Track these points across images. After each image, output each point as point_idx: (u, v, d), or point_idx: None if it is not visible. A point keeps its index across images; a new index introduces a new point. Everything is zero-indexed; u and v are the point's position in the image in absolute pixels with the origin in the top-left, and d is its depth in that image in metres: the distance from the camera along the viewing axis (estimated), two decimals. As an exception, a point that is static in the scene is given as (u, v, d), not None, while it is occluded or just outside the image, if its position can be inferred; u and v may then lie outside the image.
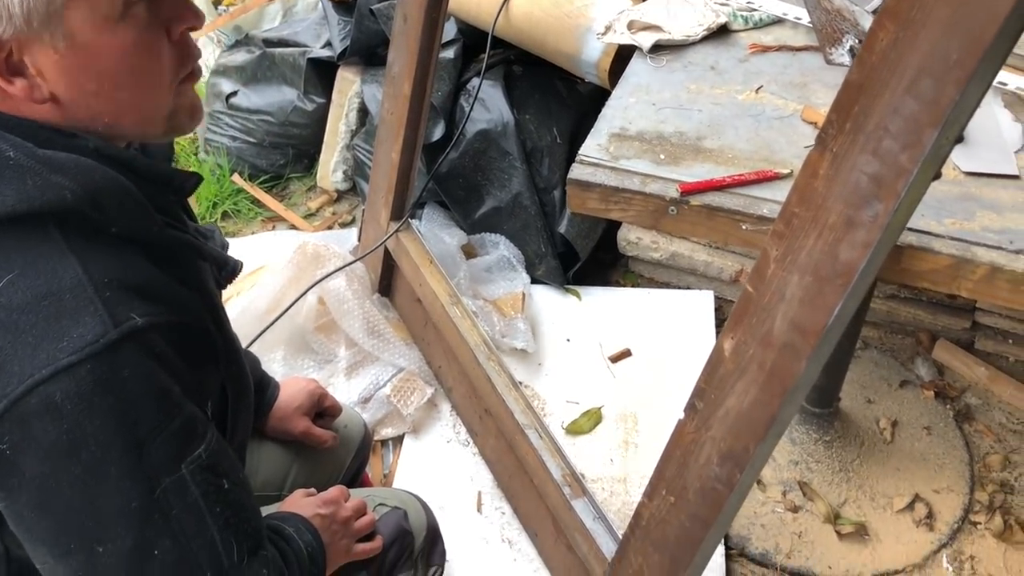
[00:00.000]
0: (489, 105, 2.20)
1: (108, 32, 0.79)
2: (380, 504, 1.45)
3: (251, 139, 2.54)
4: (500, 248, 2.19)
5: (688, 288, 2.28)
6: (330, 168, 2.53)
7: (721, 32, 1.42)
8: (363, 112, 2.42)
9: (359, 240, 2.24)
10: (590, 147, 1.23)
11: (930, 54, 0.87)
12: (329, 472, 1.56)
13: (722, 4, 1.44)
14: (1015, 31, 0.84)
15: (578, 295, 2.24)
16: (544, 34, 2.07)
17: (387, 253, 2.10)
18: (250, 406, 1.10)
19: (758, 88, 1.31)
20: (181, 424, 0.83)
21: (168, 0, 0.83)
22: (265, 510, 1.08)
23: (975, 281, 1.08)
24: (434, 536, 1.48)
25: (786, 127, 1.26)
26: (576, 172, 1.20)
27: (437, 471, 1.90)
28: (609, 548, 1.50)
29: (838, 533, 1.79)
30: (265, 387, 1.44)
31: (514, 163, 2.20)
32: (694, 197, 1.15)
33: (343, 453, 1.59)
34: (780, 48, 1.38)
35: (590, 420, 1.97)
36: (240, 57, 2.56)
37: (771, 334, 1.08)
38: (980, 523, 1.82)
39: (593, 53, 1.94)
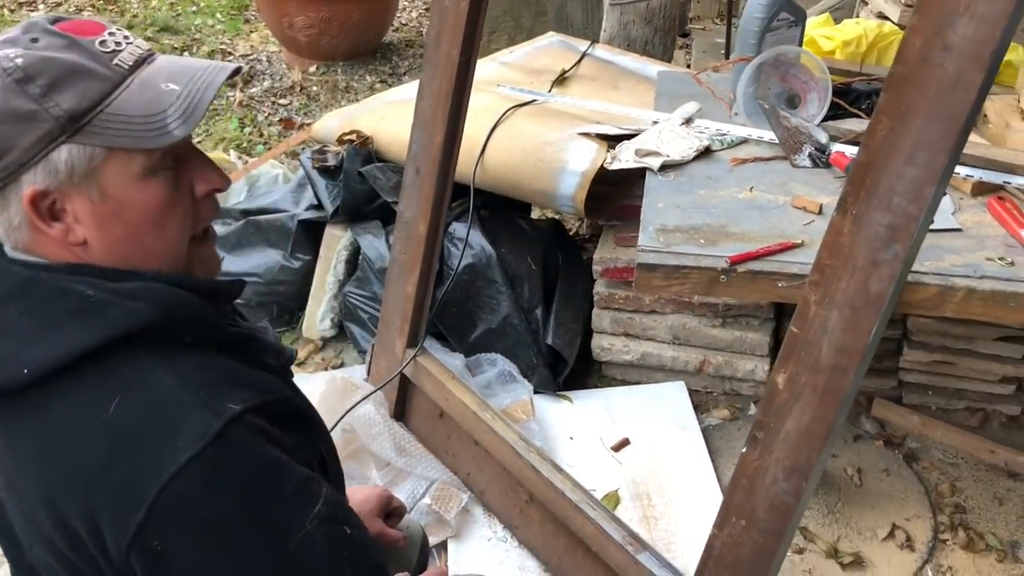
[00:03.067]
0: (471, 242, 2.52)
1: (136, 187, 0.92)
2: (469, 584, 1.64)
3: (239, 301, 2.73)
4: (498, 364, 2.45)
5: (659, 383, 2.61)
6: (317, 318, 2.75)
7: (706, 152, 1.82)
8: (351, 264, 2.68)
9: (368, 373, 2.45)
10: (644, 240, 1.56)
11: (920, 134, 1.23)
12: (402, 570, 1.72)
13: (700, 132, 1.85)
14: (976, 114, 1.24)
15: (570, 399, 2.52)
16: (519, 178, 2.43)
17: (403, 379, 2.32)
18: (341, 474, 1.23)
19: (751, 188, 1.70)
20: (296, 485, 0.92)
21: (195, 162, 0.98)
22: None
23: (956, 303, 1.45)
24: None
25: (783, 213, 1.63)
26: (641, 258, 1.52)
27: (485, 567, 2.07)
28: (680, 589, 1.72)
29: (840, 564, 2.09)
30: None
31: (500, 289, 2.50)
32: (740, 266, 1.49)
33: (411, 552, 1.74)
34: (755, 160, 1.79)
35: (610, 502, 2.21)
36: (220, 229, 2.78)
37: (819, 361, 1.38)
38: (948, 540, 2.16)
39: (569, 188, 2.32)
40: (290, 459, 0.93)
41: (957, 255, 1.51)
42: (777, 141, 1.79)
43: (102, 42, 0.92)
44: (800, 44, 2.22)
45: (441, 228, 2.20)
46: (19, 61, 0.88)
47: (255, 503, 0.89)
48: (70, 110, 0.88)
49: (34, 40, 0.90)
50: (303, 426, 1.04)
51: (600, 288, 2.52)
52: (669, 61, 3.51)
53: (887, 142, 1.26)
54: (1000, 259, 1.50)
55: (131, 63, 0.92)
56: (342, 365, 2.75)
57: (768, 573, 1.54)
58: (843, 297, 1.34)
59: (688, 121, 2.00)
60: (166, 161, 0.94)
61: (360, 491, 1.61)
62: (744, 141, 1.85)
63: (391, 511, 1.65)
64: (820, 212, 1.63)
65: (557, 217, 3.06)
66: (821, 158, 1.74)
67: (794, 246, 1.54)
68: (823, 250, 1.34)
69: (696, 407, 2.52)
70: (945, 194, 1.73)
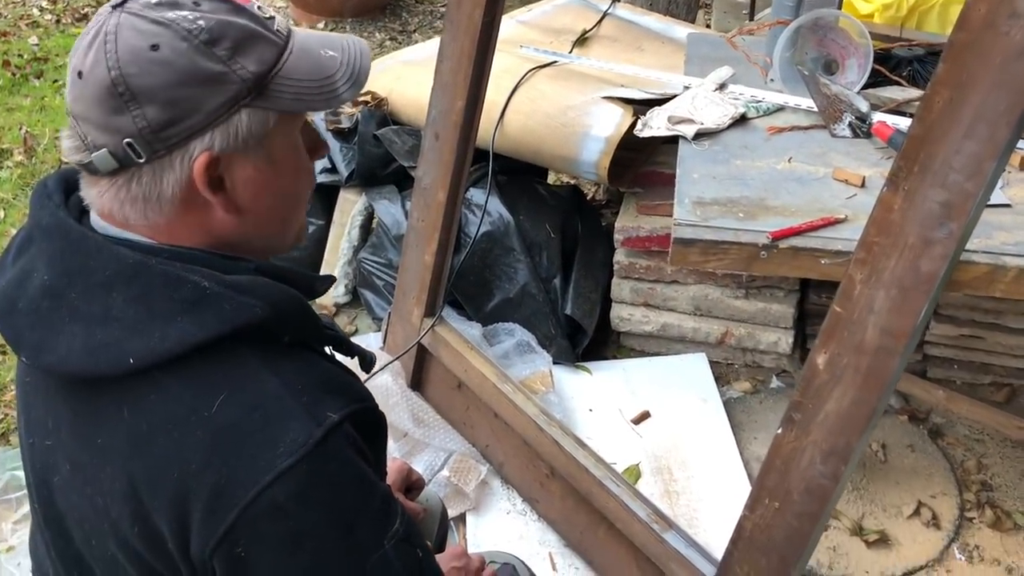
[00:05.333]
0: (489, 209, 2.46)
1: (292, 154, 0.94)
2: (491, 561, 1.60)
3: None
4: (516, 335, 2.40)
5: (679, 354, 2.56)
6: (330, 284, 2.69)
7: (741, 120, 1.75)
8: (365, 229, 2.62)
9: (384, 342, 2.40)
10: (680, 213, 1.50)
11: (982, 107, 1.17)
12: None
13: (735, 99, 1.78)
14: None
15: (588, 370, 2.47)
16: (540, 143, 2.36)
17: (420, 349, 2.27)
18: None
19: (789, 159, 1.63)
20: (379, 503, 0.90)
21: (310, 132, 0.99)
22: None
23: (1007, 283, 1.39)
24: None
25: (824, 185, 1.57)
26: (678, 232, 1.46)
27: (505, 540, 2.04)
28: (708, 570, 1.69)
29: (865, 542, 2.05)
30: None
31: (518, 258, 2.45)
32: (781, 242, 1.43)
33: (431, 524, 1.71)
34: (792, 129, 1.72)
35: (631, 476, 2.17)
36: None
37: (864, 342, 1.33)
38: (975, 518, 2.12)
39: (592, 155, 2.25)
40: (374, 475, 0.91)
41: (1007, 232, 1.45)
42: (815, 109, 1.72)
43: (259, 7, 0.92)
44: (839, 7, 2.13)
45: (460, 196, 2.14)
46: (201, 23, 0.85)
47: (344, 518, 0.86)
48: (256, 72, 0.87)
49: (197, 3, 0.87)
50: (382, 436, 1.02)
51: (620, 257, 2.46)
52: (692, 21, 3.42)
53: (945, 114, 1.20)
54: (1052, 237, 1.44)
55: (287, 30, 0.93)
56: (356, 332, 2.70)
57: (802, 556, 1.51)
58: (891, 277, 1.29)
59: (722, 87, 1.92)
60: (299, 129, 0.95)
61: (382, 464, 1.59)
62: (780, 109, 1.78)
63: (410, 484, 1.65)
64: (863, 185, 1.56)
65: (575, 183, 2.99)
66: (862, 128, 1.67)
67: (837, 221, 1.48)
68: (871, 227, 1.28)
69: (717, 379, 2.48)
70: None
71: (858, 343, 1.33)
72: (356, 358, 1.12)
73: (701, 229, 1.47)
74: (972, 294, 1.44)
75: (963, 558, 2.04)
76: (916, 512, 2.12)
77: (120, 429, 0.87)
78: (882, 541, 2.06)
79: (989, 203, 1.53)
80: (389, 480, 1.59)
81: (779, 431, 1.45)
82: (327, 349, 1.05)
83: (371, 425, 0.97)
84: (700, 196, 1.55)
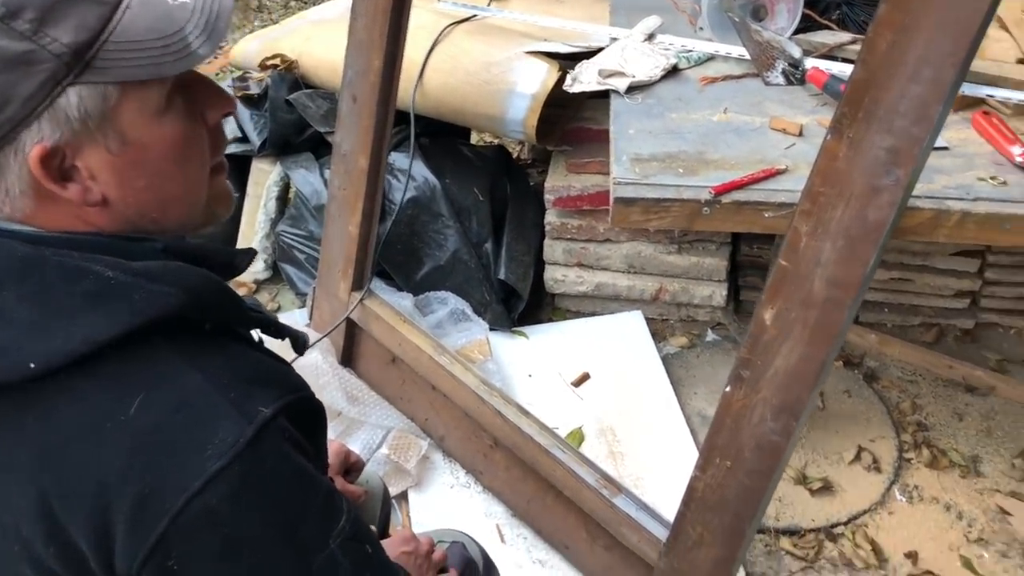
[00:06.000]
0: (414, 173, 2.36)
1: (156, 125, 0.80)
2: (439, 541, 1.55)
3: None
4: (450, 303, 2.32)
5: (615, 313, 2.52)
6: (249, 259, 2.56)
7: (674, 71, 1.69)
8: (282, 200, 2.49)
9: (310, 318, 2.30)
10: (619, 171, 1.44)
11: (927, 49, 1.13)
12: None
13: (665, 49, 1.71)
14: (986, 25, 1.14)
15: (525, 335, 2.41)
16: (462, 102, 2.27)
17: (350, 324, 2.17)
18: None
19: (725, 110, 1.58)
20: (322, 500, 0.84)
21: (201, 88, 0.85)
22: None
23: (950, 227, 1.37)
24: (489, 564, 1.59)
25: (762, 136, 1.52)
26: (618, 192, 1.40)
27: (450, 515, 1.98)
28: (660, 532, 1.66)
29: (809, 491, 2.06)
30: None
31: (447, 223, 2.36)
32: (724, 197, 1.38)
33: (373, 506, 1.65)
34: (725, 78, 1.67)
35: (575, 440, 2.13)
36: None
37: (811, 295, 1.30)
38: (913, 459, 2.15)
39: (518, 112, 2.16)
40: (316, 470, 0.84)
41: (948, 176, 1.43)
42: (747, 57, 1.67)
43: None
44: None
45: (383, 161, 2.04)
46: None
47: (284, 520, 0.80)
48: (72, 44, 0.73)
49: None
50: (322, 427, 0.93)
51: (552, 218, 2.39)
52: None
53: (889, 57, 1.16)
54: (992, 179, 1.42)
55: None
56: (279, 309, 2.59)
57: (756, 513, 1.49)
58: (838, 227, 1.25)
59: (651, 37, 1.85)
60: (177, 90, 0.81)
61: (319, 447, 1.52)
62: (712, 58, 1.73)
63: (349, 467, 1.58)
64: (801, 134, 1.52)
65: (500, 143, 2.90)
66: (796, 75, 1.62)
67: (778, 172, 1.43)
68: (815, 177, 1.24)
69: (654, 336, 2.45)
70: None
71: (805, 297, 1.29)
72: (287, 340, 1.02)
73: (642, 187, 1.41)
74: (916, 240, 1.42)
75: (904, 499, 2.06)
76: (857, 457, 2.14)
77: (26, 441, 0.78)
78: (826, 488, 2.07)
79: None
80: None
81: (727, 389, 1.42)
82: (255, 334, 0.96)
83: (308, 416, 0.89)
84: (638, 152, 1.49)
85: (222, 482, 0.75)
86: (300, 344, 1.03)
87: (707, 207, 1.38)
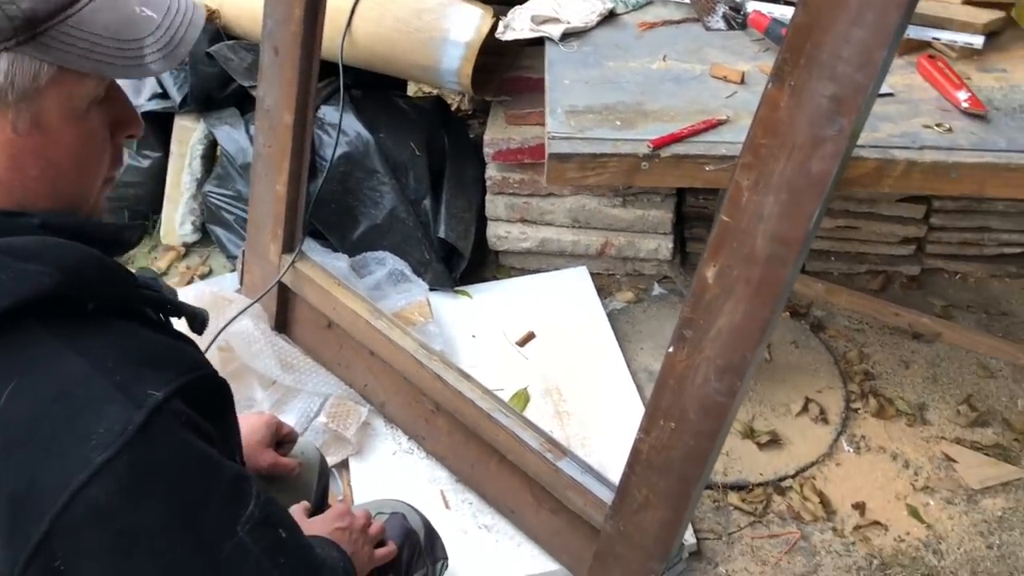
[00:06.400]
0: (345, 128, 2.25)
1: (72, 122, 0.77)
2: (378, 513, 1.49)
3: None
4: (388, 263, 2.24)
5: (559, 269, 2.46)
6: (176, 222, 2.45)
7: (611, 16, 1.60)
8: (207, 159, 2.37)
9: (241, 282, 2.20)
10: (553, 125, 1.36)
11: None
12: (300, 499, 1.56)
13: (602, -8, 1.63)
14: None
15: (468, 294, 2.34)
16: (392, 51, 2.16)
17: (282, 288, 2.08)
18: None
19: (664, 57, 1.51)
20: (227, 485, 0.79)
21: (120, 104, 0.84)
22: None
23: (895, 178, 1.32)
24: (431, 533, 1.54)
25: (702, 84, 1.46)
26: (553, 147, 1.33)
27: (393, 483, 1.92)
28: (605, 495, 1.62)
29: (757, 444, 2.04)
30: None
31: (382, 180, 2.26)
32: (663, 150, 1.32)
33: (309, 477, 1.59)
34: (664, 23, 1.59)
35: (520, 401, 2.08)
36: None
37: (754, 251, 1.25)
38: (859, 408, 2.14)
39: (453, 62, 2.06)
40: (218, 453, 0.79)
41: (893, 123, 1.37)
42: (687, 1, 1.59)
43: None
44: None
45: (310, 115, 1.93)
46: None
47: (184, 510, 0.75)
48: (28, 11, 0.71)
49: None
50: (228, 407, 0.89)
51: (492, 172, 2.31)
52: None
53: (830, 0, 1.10)
54: (937, 125, 1.37)
55: None
56: (210, 273, 2.48)
57: (702, 474, 1.45)
58: (780, 180, 1.20)
59: (586, -20, 1.76)
60: (100, 96, 0.80)
61: (244, 421, 1.45)
62: (650, 2, 1.65)
63: (282, 438, 1.53)
64: (742, 82, 1.46)
65: (438, 94, 2.79)
66: (737, 19, 1.55)
67: (719, 123, 1.37)
68: (756, 127, 1.18)
69: (599, 291, 2.39)
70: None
71: (748, 253, 1.25)
72: (191, 323, 0.96)
73: (577, 142, 1.33)
74: (860, 190, 1.37)
75: (851, 449, 2.05)
76: (804, 409, 2.12)
77: None
78: (774, 441, 2.05)
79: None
80: (256, 438, 1.46)
81: (670, 349, 1.37)
82: (154, 313, 0.88)
83: (210, 395, 0.84)
84: (573, 104, 1.41)
85: (108, 475, 0.70)
86: (199, 323, 0.96)
87: (646, 162, 1.32)
